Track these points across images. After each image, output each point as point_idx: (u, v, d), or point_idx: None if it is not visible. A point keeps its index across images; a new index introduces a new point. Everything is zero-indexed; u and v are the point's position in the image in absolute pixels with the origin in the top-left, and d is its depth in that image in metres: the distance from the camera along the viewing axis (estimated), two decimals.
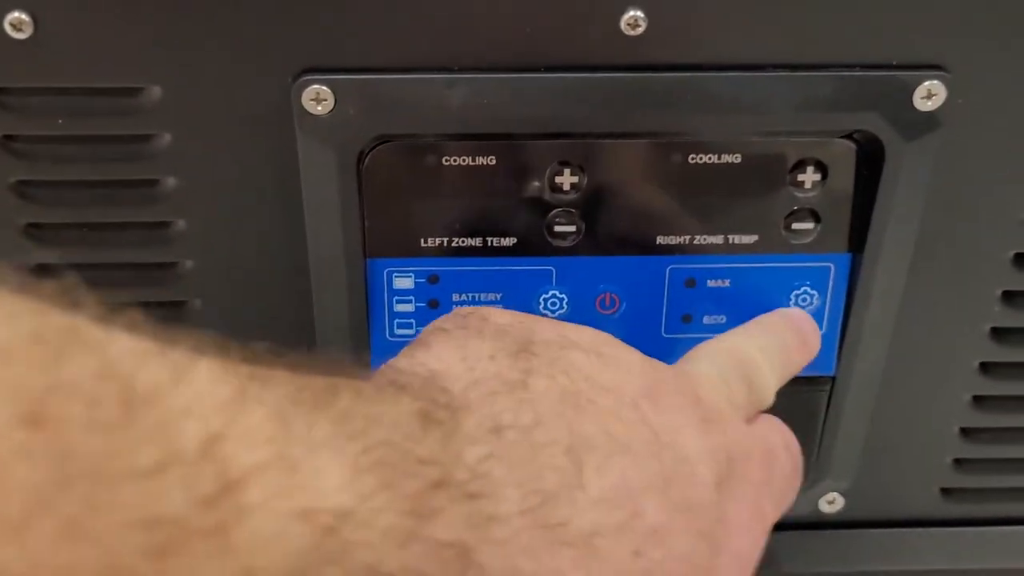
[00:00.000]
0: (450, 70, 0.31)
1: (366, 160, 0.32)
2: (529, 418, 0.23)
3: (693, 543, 0.24)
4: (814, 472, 0.39)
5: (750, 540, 0.26)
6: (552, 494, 0.21)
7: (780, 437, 0.31)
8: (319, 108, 0.31)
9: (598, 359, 0.26)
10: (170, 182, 0.32)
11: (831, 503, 0.41)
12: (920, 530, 0.42)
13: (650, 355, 0.36)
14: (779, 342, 0.34)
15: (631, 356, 0.28)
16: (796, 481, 0.32)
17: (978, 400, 0.39)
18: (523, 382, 0.24)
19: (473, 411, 0.22)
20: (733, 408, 0.29)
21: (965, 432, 0.40)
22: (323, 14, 0.30)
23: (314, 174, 0.32)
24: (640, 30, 0.30)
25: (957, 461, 0.41)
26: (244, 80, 0.31)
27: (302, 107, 0.31)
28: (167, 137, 0.31)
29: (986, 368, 0.38)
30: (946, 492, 0.41)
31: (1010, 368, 0.38)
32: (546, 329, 0.27)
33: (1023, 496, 0.41)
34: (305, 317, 0.35)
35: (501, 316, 0.27)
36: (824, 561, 0.43)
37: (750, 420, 0.31)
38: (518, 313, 0.28)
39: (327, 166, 0.32)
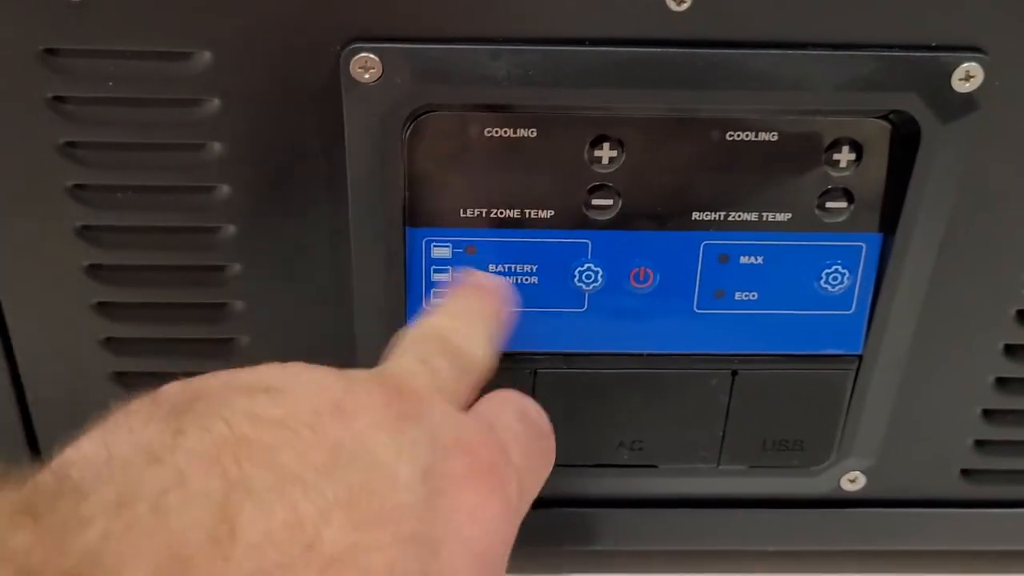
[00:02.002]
0: (496, 41, 0.31)
1: (410, 129, 0.33)
2: (169, 480, 0.21)
3: (396, 553, 0.23)
4: (838, 450, 0.40)
5: (481, 526, 0.25)
6: (189, 556, 0.20)
7: (511, 409, 0.30)
8: (367, 76, 0.31)
9: (266, 395, 0.24)
10: (216, 147, 0.33)
11: (853, 482, 0.41)
12: (940, 511, 0.43)
13: (683, 329, 0.37)
14: (477, 306, 0.32)
15: (312, 376, 0.26)
16: (544, 450, 0.30)
17: (1001, 382, 0.40)
18: (171, 443, 0.22)
19: (92, 492, 0.21)
20: (438, 391, 0.28)
21: (987, 414, 0.40)
22: None
23: (359, 142, 0.32)
24: (686, 5, 0.31)
25: (978, 442, 0.41)
26: (293, 47, 0.31)
27: (350, 75, 0.31)
28: (215, 102, 0.32)
29: (1011, 351, 0.39)
30: (966, 473, 0.42)
31: None
32: (213, 382, 0.26)
33: None
34: (344, 283, 0.35)
35: (171, 387, 0.26)
36: (844, 539, 0.43)
37: (471, 401, 0.29)
38: (194, 378, 0.26)
39: (372, 134, 0.32)
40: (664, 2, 0.31)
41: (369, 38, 0.31)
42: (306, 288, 0.36)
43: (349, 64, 0.31)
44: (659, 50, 0.32)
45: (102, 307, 0.36)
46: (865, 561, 0.45)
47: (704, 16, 0.31)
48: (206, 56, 0.31)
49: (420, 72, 0.31)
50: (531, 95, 0.32)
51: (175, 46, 0.31)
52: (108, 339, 0.36)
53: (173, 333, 0.36)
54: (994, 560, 0.45)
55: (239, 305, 0.36)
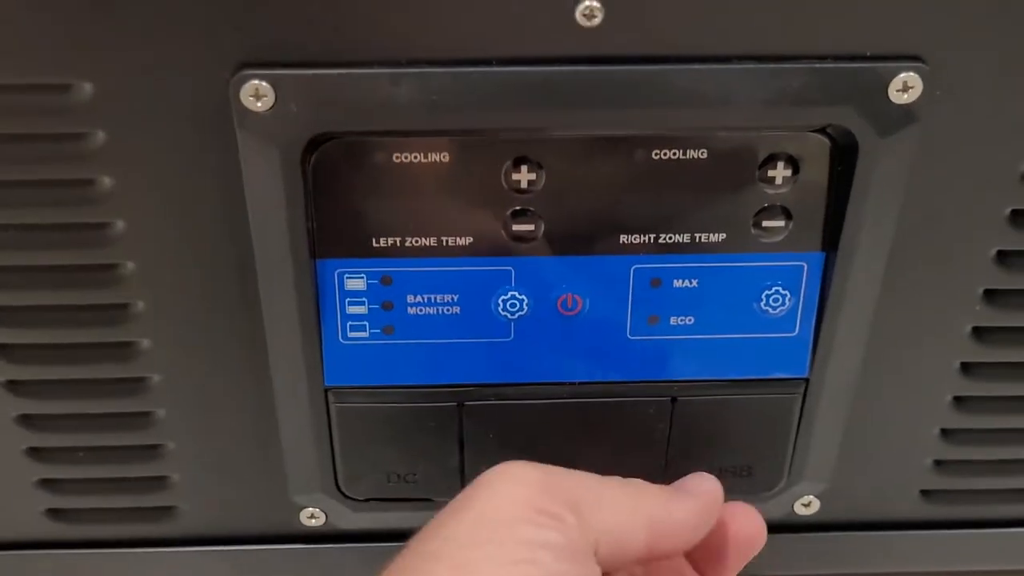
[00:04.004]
0: (397, 64, 0.29)
1: (312, 158, 0.31)
2: None
3: None
4: (788, 475, 0.38)
5: None
6: None
7: None
8: (259, 104, 0.29)
9: None
10: (106, 182, 0.31)
11: (807, 506, 0.40)
12: (899, 533, 0.41)
13: (616, 357, 0.35)
14: None
15: None
16: None
17: (959, 401, 0.38)
18: None
19: None
20: None
21: (946, 433, 0.39)
22: (262, 5, 0.28)
23: (257, 173, 0.30)
24: (596, 21, 0.29)
25: (937, 463, 0.39)
26: (179, 75, 0.29)
27: (241, 104, 0.29)
28: (100, 135, 0.30)
29: (967, 369, 0.37)
30: (926, 494, 0.40)
31: (992, 368, 0.37)
32: None
33: (1004, 498, 0.40)
34: (255, 320, 0.33)
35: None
36: (800, 564, 0.42)
37: None
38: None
39: (270, 165, 0.30)
40: (573, 18, 0.29)
41: (260, 64, 0.29)
42: (214, 326, 0.34)
43: (239, 92, 0.29)
44: (571, 68, 0.29)
45: None
46: None
47: (617, 31, 0.29)
48: (86, 87, 0.29)
49: (316, 99, 0.29)
50: (437, 120, 0.30)
51: (51, 78, 0.29)
52: (10, 382, 0.35)
53: (76, 374, 0.35)
54: None
55: (146, 344, 0.34)
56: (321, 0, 0.28)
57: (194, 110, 0.30)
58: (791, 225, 0.33)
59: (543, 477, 0.30)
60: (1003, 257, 0.34)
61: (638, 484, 0.32)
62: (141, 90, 0.29)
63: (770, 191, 0.33)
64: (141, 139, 0.30)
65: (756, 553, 0.35)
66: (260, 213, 0.31)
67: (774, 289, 0.34)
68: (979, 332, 0.36)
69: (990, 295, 0.35)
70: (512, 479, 0.30)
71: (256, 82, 0.29)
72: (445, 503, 0.38)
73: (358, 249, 0.33)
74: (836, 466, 0.39)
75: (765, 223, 0.33)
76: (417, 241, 0.33)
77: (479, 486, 0.30)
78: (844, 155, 0.32)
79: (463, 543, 0.28)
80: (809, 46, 0.30)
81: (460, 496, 0.31)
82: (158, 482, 0.38)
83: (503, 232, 0.33)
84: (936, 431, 0.38)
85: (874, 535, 0.41)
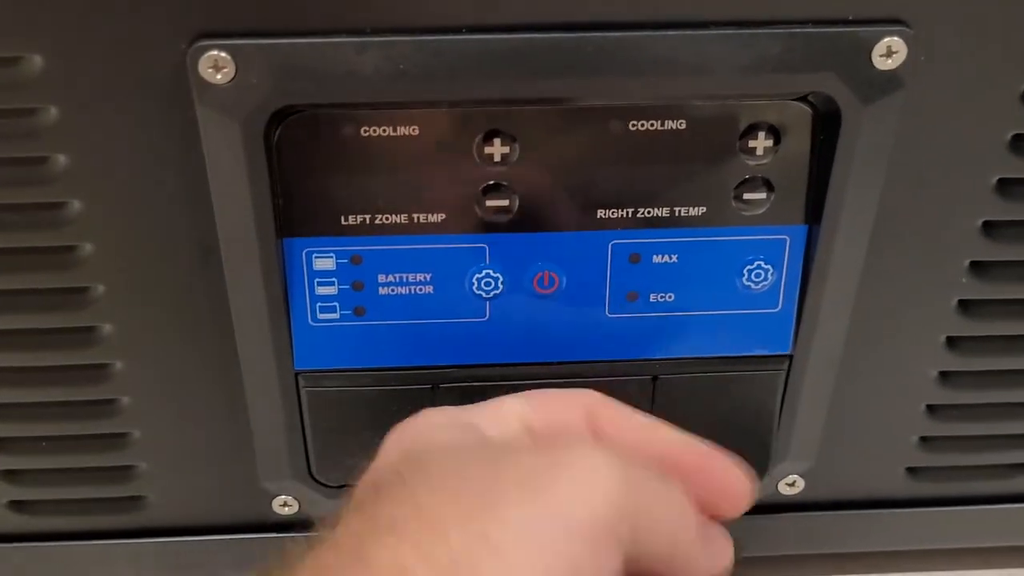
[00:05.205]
0: (362, 32, 0.28)
1: (276, 133, 0.30)
2: None
3: None
4: (773, 454, 0.37)
5: None
6: None
7: None
8: (219, 77, 0.28)
9: None
10: (61, 160, 0.29)
11: (791, 485, 0.39)
12: (885, 511, 0.40)
13: (595, 336, 0.34)
14: None
15: None
16: None
17: (945, 376, 0.37)
18: None
19: None
20: None
21: (932, 409, 0.38)
22: None
23: (218, 149, 0.29)
24: None
25: (924, 439, 0.39)
26: (134, 46, 0.28)
27: (199, 76, 0.28)
28: (53, 111, 0.29)
29: (953, 343, 0.36)
30: (912, 471, 0.39)
31: (979, 342, 0.36)
32: None
33: (991, 474, 0.39)
34: (220, 303, 0.32)
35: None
36: (784, 544, 0.41)
37: None
38: None
39: (232, 140, 0.29)
40: None
41: (218, 34, 0.28)
42: (178, 310, 0.32)
43: (198, 64, 0.28)
44: (544, 35, 0.28)
45: None
46: (810, 565, 0.42)
47: None
48: (36, 60, 0.28)
49: (278, 70, 0.28)
50: (405, 90, 0.29)
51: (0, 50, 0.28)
52: None
53: (36, 361, 0.33)
54: (944, 559, 0.42)
55: (107, 329, 0.33)
56: None
57: (151, 84, 0.28)
58: (773, 197, 0.32)
59: (624, 487, 0.23)
60: (989, 228, 0.33)
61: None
62: (94, 63, 0.28)
63: (751, 162, 0.32)
64: (96, 115, 0.29)
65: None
66: (223, 191, 0.30)
67: (756, 264, 0.33)
68: (965, 305, 0.35)
69: (977, 267, 0.34)
70: (595, 477, 0.23)
71: (215, 53, 0.28)
72: None
73: (326, 227, 0.32)
74: (821, 444, 0.38)
75: (746, 195, 0.32)
76: (387, 218, 0.32)
77: (557, 468, 0.23)
78: (826, 124, 0.31)
79: (522, 537, 0.22)
80: (789, 10, 0.29)
81: (526, 467, 0.23)
82: (124, 471, 0.36)
83: (476, 208, 0.32)
84: (922, 407, 0.38)
85: (860, 514, 0.40)
